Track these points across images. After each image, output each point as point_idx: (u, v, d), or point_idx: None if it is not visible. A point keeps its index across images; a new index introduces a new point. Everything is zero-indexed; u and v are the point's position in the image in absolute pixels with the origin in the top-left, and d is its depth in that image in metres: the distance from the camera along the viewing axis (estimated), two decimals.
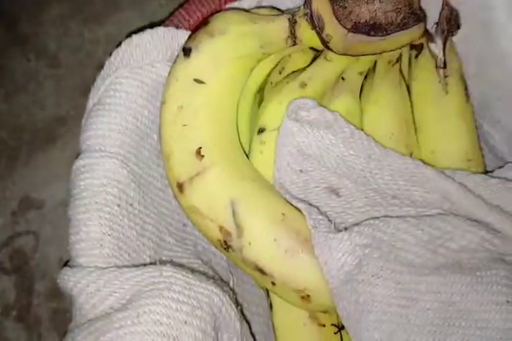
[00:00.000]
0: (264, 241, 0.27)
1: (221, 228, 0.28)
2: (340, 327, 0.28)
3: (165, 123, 0.29)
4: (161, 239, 0.32)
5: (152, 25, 0.32)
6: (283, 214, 0.28)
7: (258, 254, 0.27)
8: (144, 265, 0.30)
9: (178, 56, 0.30)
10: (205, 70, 0.29)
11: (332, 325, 0.29)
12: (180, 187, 0.28)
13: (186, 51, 0.29)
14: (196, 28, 0.30)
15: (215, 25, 0.29)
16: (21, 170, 0.42)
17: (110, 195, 0.29)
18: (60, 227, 0.42)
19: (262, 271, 0.27)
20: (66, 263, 0.29)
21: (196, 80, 0.29)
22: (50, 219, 0.41)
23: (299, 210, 0.29)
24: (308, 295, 0.27)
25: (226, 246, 0.27)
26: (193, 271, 0.30)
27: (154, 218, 0.32)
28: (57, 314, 0.37)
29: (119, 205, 0.29)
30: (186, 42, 0.30)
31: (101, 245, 0.28)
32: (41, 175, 0.42)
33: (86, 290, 0.26)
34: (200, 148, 0.28)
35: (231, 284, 0.35)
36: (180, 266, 0.31)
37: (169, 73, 0.30)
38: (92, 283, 0.26)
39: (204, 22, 0.30)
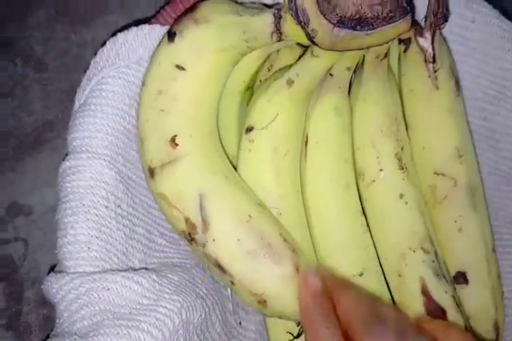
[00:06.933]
0: (228, 239, 0.26)
1: (187, 220, 0.27)
2: (296, 336, 0.28)
3: (143, 105, 0.29)
4: (152, 240, 0.31)
5: (137, 23, 0.32)
6: (249, 215, 0.27)
7: (220, 251, 0.26)
8: (134, 269, 0.29)
9: (162, 40, 0.29)
10: (187, 57, 0.28)
11: (287, 332, 0.29)
12: (152, 172, 0.28)
13: (170, 35, 0.28)
14: (183, 13, 0.29)
15: (201, 12, 0.28)
16: (9, 175, 0.41)
17: (98, 197, 0.28)
18: (49, 234, 0.41)
19: (222, 269, 0.26)
20: (54, 268, 0.28)
21: (178, 66, 0.28)
22: (40, 226, 0.40)
23: (267, 213, 0.28)
24: (265, 300, 0.26)
25: (190, 239, 0.27)
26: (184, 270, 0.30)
27: (144, 219, 0.31)
28: (47, 321, 0.36)
29: (107, 207, 0.29)
30: (172, 25, 0.29)
31: (88, 248, 0.27)
32: (29, 181, 0.41)
33: (67, 297, 0.25)
34: (175, 136, 0.28)
35: None
36: (172, 266, 0.31)
37: (152, 55, 0.30)
38: (74, 290, 0.25)
39: (192, 7, 0.29)
